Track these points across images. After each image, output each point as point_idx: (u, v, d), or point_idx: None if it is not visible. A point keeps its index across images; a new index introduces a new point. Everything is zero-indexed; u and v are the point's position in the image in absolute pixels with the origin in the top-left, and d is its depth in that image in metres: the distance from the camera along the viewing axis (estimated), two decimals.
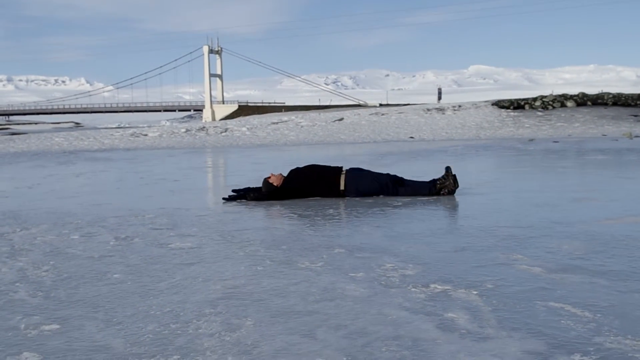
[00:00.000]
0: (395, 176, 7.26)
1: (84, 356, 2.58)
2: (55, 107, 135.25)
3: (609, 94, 34.01)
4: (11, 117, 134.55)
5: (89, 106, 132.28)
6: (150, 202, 7.49)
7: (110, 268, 4.11)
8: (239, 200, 7.15)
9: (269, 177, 7.26)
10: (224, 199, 7.23)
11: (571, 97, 33.20)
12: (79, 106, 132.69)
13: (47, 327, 2.96)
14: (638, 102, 31.85)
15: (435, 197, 7.05)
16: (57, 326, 2.97)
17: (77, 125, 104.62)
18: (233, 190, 7.33)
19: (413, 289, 3.42)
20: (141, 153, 18.50)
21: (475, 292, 3.33)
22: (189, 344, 2.68)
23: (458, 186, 7.20)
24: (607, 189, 7.73)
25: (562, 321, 2.84)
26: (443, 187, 7.12)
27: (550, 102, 32.04)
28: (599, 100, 32.34)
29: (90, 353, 2.62)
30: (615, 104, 31.82)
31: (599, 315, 2.91)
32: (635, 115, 28.59)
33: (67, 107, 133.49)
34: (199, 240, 4.96)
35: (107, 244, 4.90)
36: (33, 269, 4.16)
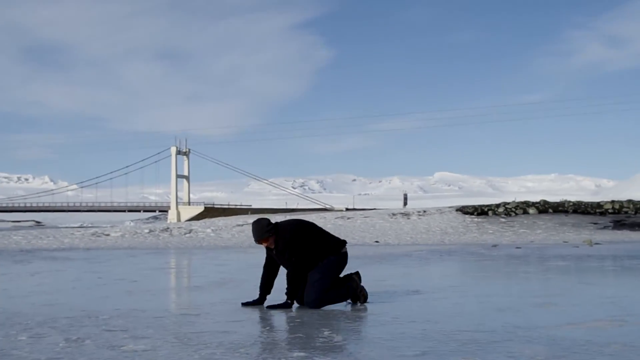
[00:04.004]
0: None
1: None
2: (17, 205, 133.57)
3: (570, 202, 34.66)
4: None
5: (51, 205, 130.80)
6: (106, 302, 7.27)
7: None
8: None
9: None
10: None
11: (533, 204, 33.75)
12: (40, 205, 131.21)
13: None
14: (597, 210, 32.46)
15: (394, 301, 6.96)
16: None
17: (38, 224, 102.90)
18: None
19: None
20: (101, 253, 18.19)
21: None
22: None
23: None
24: (569, 294, 7.73)
25: None
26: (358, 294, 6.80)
27: (513, 209, 32.50)
28: (560, 208, 32.91)
29: None
30: (575, 211, 32.38)
31: None
32: (595, 223, 29.07)
33: (28, 205, 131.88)
34: (153, 343, 4.79)
35: (56, 346, 4.69)
36: None
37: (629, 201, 34.59)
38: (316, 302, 6.49)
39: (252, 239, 6.74)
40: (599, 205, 33.70)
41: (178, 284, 10.41)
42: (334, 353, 4.36)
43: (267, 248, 6.73)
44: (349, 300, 6.80)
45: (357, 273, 6.95)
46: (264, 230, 6.57)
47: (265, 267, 6.82)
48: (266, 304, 6.66)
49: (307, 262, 6.52)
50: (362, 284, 6.88)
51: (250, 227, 7.67)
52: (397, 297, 7.32)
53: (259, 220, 6.75)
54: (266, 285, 6.76)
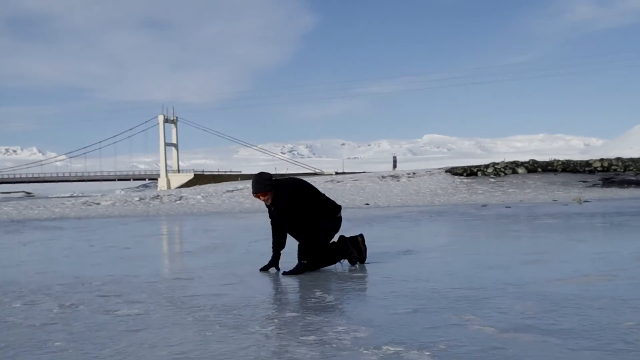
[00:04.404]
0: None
1: None
2: (5, 176, 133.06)
3: (559, 161, 34.80)
4: None
5: (40, 175, 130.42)
6: (98, 269, 7.29)
7: (52, 336, 3.95)
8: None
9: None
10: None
11: (522, 164, 33.87)
12: (30, 175, 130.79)
13: None
14: (586, 169, 32.62)
15: (385, 261, 7.01)
16: None
17: (28, 194, 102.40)
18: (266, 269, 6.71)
19: (365, 351, 3.35)
20: (93, 221, 18.17)
21: (427, 353, 3.27)
22: None
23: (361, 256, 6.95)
24: (558, 251, 7.80)
25: None
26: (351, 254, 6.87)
27: (502, 169, 32.61)
28: (549, 167, 33.04)
29: None
30: (564, 170, 32.52)
31: None
32: (584, 181, 29.23)
33: (17, 176, 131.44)
34: (146, 307, 4.82)
35: (50, 312, 4.72)
36: None
37: (618, 159, 34.78)
38: (310, 265, 6.51)
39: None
40: (587, 163, 33.86)
41: (170, 250, 10.43)
42: (326, 313, 4.40)
43: (268, 207, 6.69)
44: (342, 262, 6.84)
45: (361, 235, 7.00)
46: (264, 184, 6.48)
47: (273, 223, 6.74)
48: (282, 270, 6.50)
49: (308, 221, 6.49)
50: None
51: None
52: (388, 257, 7.37)
53: (261, 173, 6.64)
54: (278, 243, 6.70)
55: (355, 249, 6.88)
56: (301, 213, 6.44)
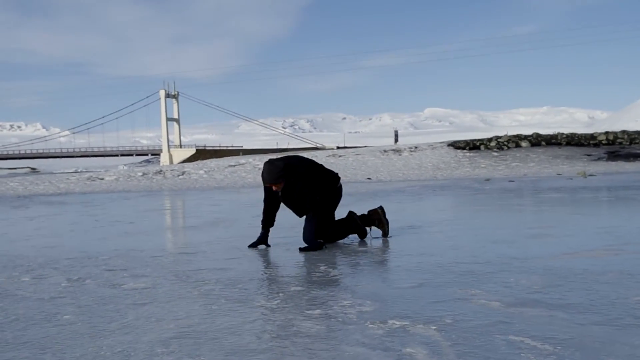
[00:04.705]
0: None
1: None
2: (11, 152, 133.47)
3: (563, 134, 34.68)
4: None
5: (45, 151, 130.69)
6: (104, 244, 7.32)
7: (61, 309, 3.98)
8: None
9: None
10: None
11: (525, 137, 33.77)
12: (34, 151, 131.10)
13: None
14: (591, 142, 32.51)
15: (390, 237, 7.03)
16: None
17: (33, 170, 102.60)
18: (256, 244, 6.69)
19: (371, 325, 3.37)
20: (97, 196, 18.22)
21: (433, 327, 3.28)
22: None
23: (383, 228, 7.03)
24: (563, 225, 7.79)
25: (523, 354, 2.81)
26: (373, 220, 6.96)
27: (505, 143, 32.53)
28: (553, 141, 32.94)
29: None
30: (568, 143, 32.43)
31: (559, 347, 2.88)
32: (589, 155, 29.16)
33: (22, 152, 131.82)
34: (152, 281, 4.84)
35: (58, 286, 4.76)
36: None
37: (623, 132, 34.62)
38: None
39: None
40: (592, 136, 33.73)
41: (174, 224, 10.45)
42: (330, 287, 4.42)
43: (269, 187, 6.63)
44: (349, 237, 6.88)
45: (381, 207, 7.06)
46: (277, 175, 6.33)
47: (267, 201, 6.69)
48: (298, 247, 6.42)
49: (318, 198, 6.47)
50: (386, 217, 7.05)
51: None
52: (391, 232, 7.36)
53: (273, 163, 6.44)
54: (269, 221, 6.68)
55: (377, 221, 6.96)
56: (313, 192, 6.43)
